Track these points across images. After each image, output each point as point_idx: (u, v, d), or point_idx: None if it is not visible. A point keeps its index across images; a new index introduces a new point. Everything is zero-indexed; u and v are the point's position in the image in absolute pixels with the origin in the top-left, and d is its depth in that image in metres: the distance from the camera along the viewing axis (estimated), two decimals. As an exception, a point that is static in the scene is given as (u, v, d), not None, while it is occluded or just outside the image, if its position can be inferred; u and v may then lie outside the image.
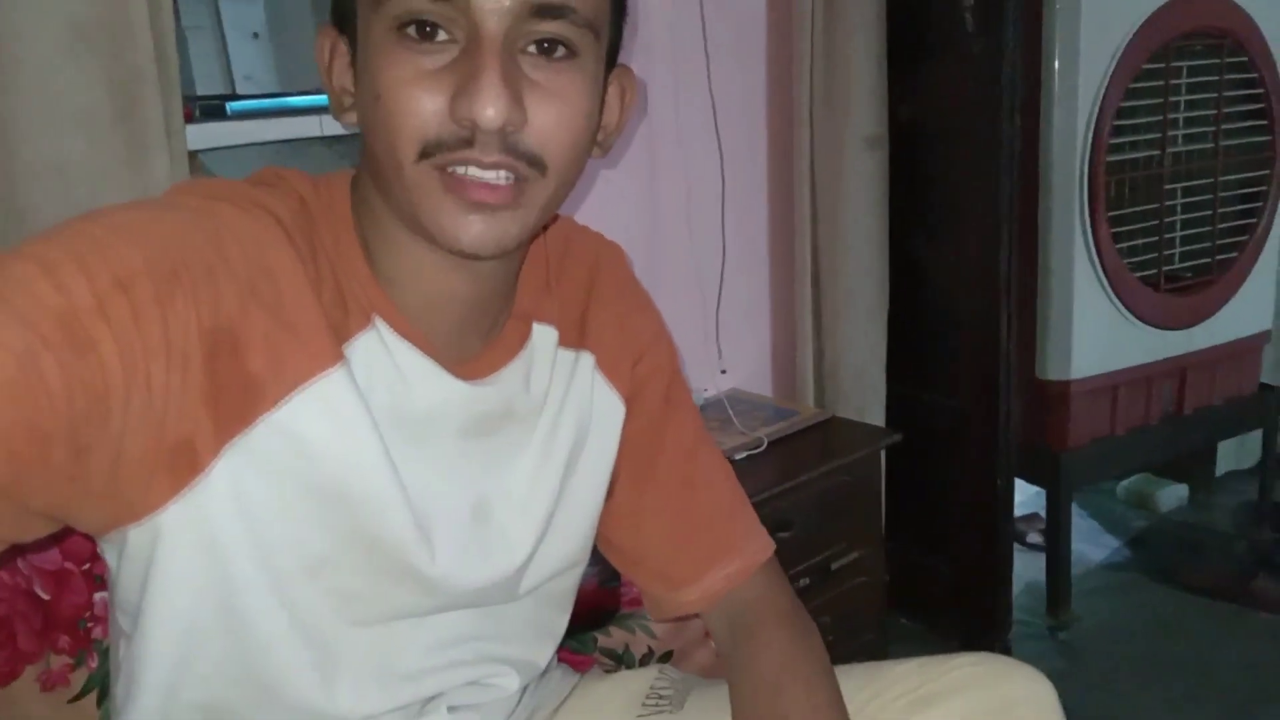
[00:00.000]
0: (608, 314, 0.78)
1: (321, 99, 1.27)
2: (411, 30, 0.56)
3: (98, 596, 0.92)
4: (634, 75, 0.69)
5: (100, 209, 0.56)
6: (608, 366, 0.77)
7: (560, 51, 0.58)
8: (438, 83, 0.56)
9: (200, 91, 1.34)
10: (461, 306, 0.66)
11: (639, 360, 0.80)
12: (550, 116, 0.58)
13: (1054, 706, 0.76)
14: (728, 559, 0.82)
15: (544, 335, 0.73)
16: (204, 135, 1.18)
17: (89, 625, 0.92)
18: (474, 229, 0.58)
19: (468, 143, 0.56)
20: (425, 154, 0.57)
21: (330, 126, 1.25)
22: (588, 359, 0.76)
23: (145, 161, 1.02)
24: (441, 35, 0.56)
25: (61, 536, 0.88)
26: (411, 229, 0.62)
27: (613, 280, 0.80)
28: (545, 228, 0.75)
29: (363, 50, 0.58)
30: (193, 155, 1.14)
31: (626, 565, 0.86)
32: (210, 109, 1.23)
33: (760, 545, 0.84)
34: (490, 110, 0.55)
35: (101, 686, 0.91)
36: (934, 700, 0.76)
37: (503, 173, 0.57)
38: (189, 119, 1.13)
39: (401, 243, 0.63)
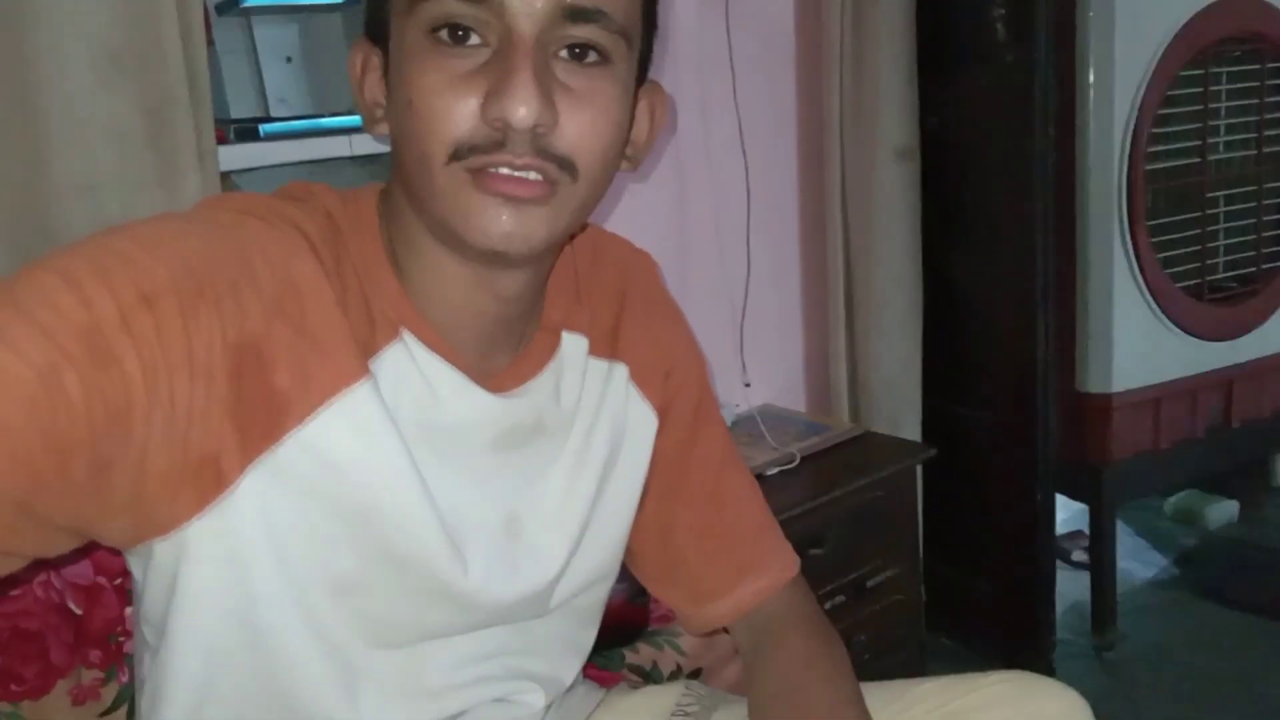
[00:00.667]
0: (640, 325, 0.78)
1: (352, 120, 1.29)
2: (444, 34, 0.56)
3: (129, 611, 0.93)
4: (664, 92, 0.69)
5: (126, 223, 0.56)
6: (641, 378, 0.77)
7: (592, 56, 0.58)
8: (469, 85, 0.56)
9: (235, 114, 1.37)
10: (490, 319, 0.66)
11: (671, 372, 0.80)
12: (582, 121, 0.58)
13: None
14: (757, 574, 0.82)
15: (574, 344, 0.73)
16: (238, 156, 1.20)
17: (120, 640, 0.93)
18: (504, 224, 0.58)
19: (499, 144, 0.56)
20: (456, 155, 0.57)
21: (360, 146, 1.27)
22: (621, 370, 0.76)
23: (177, 182, 1.04)
24: (474, 39, 0.57)
25: (90, 550, 0.89)
26: (441, 236, 0.62)
27: (645, 290, 0.80)
28: (573, 236, 0.75)
29: (395, 59, 0.59)
30: (225, 176, 1.16)
31: (654, 580, 0.86)
32: (244, 131, 1.25)
33: (788, 561, 0.84)
34: (522, 109, 0.55)
35: (132, 701, 0.92)
36: (960, 716, 0.74)
37: (533, 172, 0.57)
38: (222, 141, 1.15)
39: (431, 255, 0.63)
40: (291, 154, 1.23)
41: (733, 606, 0.82)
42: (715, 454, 0.83)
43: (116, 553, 0.90)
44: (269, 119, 1.34)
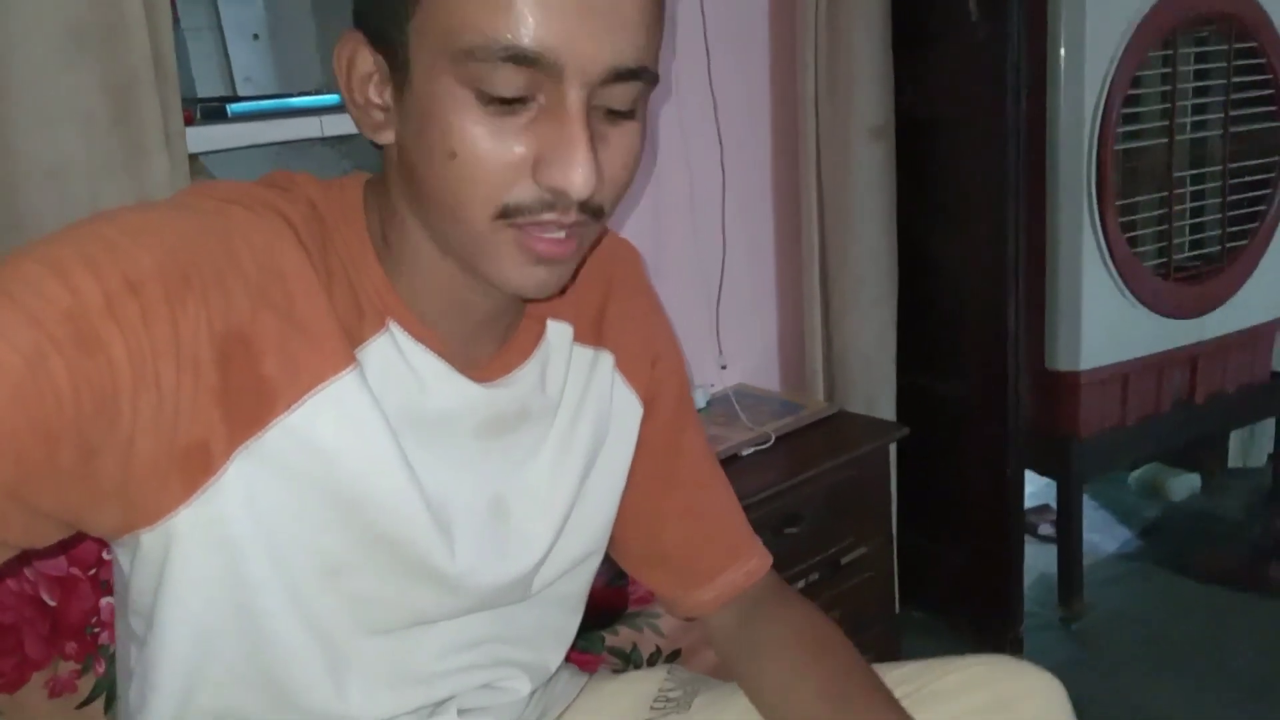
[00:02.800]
0: (626, 314, 0.78)
1: (323, 100, 1.27)
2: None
3: (104, 602, 0.92)
4: None
5: (111, 210, 0.56)
6: (626, 367, 0.78)
7: (627, 109, 0.58)
8: (520, 144, 0.55)
9: (201, 93, 1.34)
10: (478, 313, 0.66)
11: (656, 361, 0.81)
12: (615, 170, 0.59)
13: (1062, 703, 0.75)
14: (744, 558, 0.84)
15: (559, 332, 0.73)
16: (205, 138, 1.17)
17: (96, 631, 0.92)
18: (539, 279, 0.60)
19: (550, 206, 0.56)
20: (503, 215, 0.57)
21: (331, 127, 1.24)
22: (607, 358, 0.76)
23: (144, 164, 1.01)
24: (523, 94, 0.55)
25: (70, 544, 0.88)
26: (454, 259, 0.62)
27: (630, 281, 0.80)
28: None
29: (421, 90, 0.56)
30: (194, 158, 1.14)
31: (640, 566, 0.87)
32: (211, 111, 1.22)
33: (764, 549, 0.87)
34: (580, 181, 0.55)
35: (109, 692, 0.91)
36: (937, 698, 0.75)
37: (570, 229, 0.58)
38: (189, 121, 1.13)
39: (426, 257, 0.63)
40: (261, 135, 1.21)
41: (723, 590, 0.83)
42: (700, 444, 0.85)
43: (97, 541, 0.89)
44: (236, 98, 1.31)
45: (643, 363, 0.79)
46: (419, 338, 0.64)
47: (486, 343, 0.69)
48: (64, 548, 0.88)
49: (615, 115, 0.58)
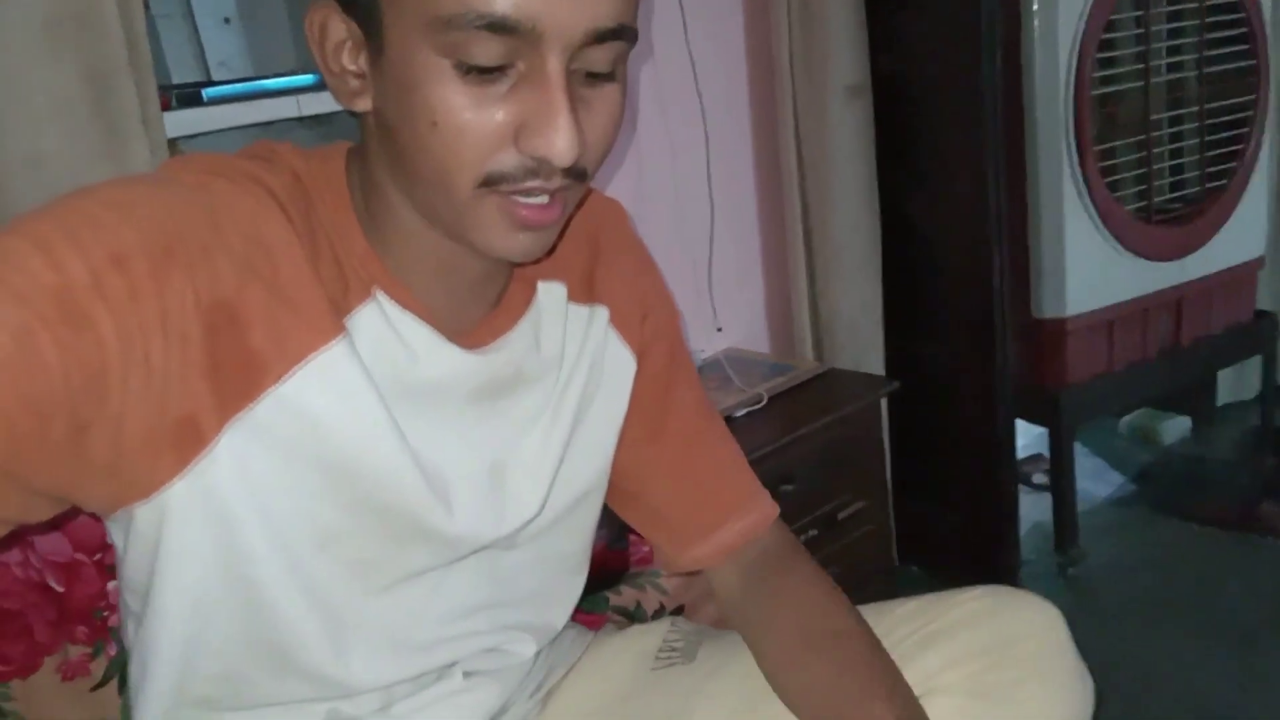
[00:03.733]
0: (616, 270, 0.78)
1: (298, 80, 1.26)
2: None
3: (111, 585, 0.93)
4: None
5: (93, 185, 0.56)
6: (620, 321, 0.78)
7: (607, 71, 0.58)
8: (501, 112, 0.55)
9: (175, 80, 1.33)
10: (465, 279, 0.66)
11: (647, 315, 0.81)
12: (598, 133, 0.59)
13: (1061, 635, 0.76)
14: (741, 514, 0.83)
15: (551, 292, 0.73)
16: (182, 123, 1.17)
17: (105, 614, 0.93)
18: (524, 245, 0.60)
19: (534, 173, 0.56)
20: (487, 183, 0.57)
21: (308, 106, 1.24)
22: (602, 313, 0.76)
23: (123, 152, 1.02)
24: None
25: (62, 522, 0.89)
26: (437, 226, 0.62)
27: (617, 237, 0.80)
28: None
29: (398, 58, 0.55)
30: (172, 143, 1.14)
31: (641, 522, 0.87)
32: (186, 97, 1.22)
33: (769, 502, 0.86)
34: (565, 148, 0.55)
35: (122, 674, 0.92)
36: (940, 637, 0.76)
37: (553, 194, 0.58)
38: (166, 108, 1.12)
39: (410, 225, 0.63)
40: (238, 117, 1.21)
41: (716, 547, 0.83)
42: (692, 397, 0.84)
43: (97, 519, 0.90)
44: (211, 83, 1.31)
45: (635, 317, 0.79)
46: (406, 306, 0.64)
47: (475, 308, 0.69)
48: (56, 525, 0.88)
49: (596, 78, 0.58)
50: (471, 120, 0.55)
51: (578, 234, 0.77)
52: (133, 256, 0.52)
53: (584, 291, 0.76)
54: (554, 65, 0.54)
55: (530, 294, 0.72)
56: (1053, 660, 0.75)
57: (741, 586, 0.82)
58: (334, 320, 0.60)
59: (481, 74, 0.54)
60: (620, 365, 0.78)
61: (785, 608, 0.79)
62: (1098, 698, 0.76)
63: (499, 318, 0.70)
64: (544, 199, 0.58)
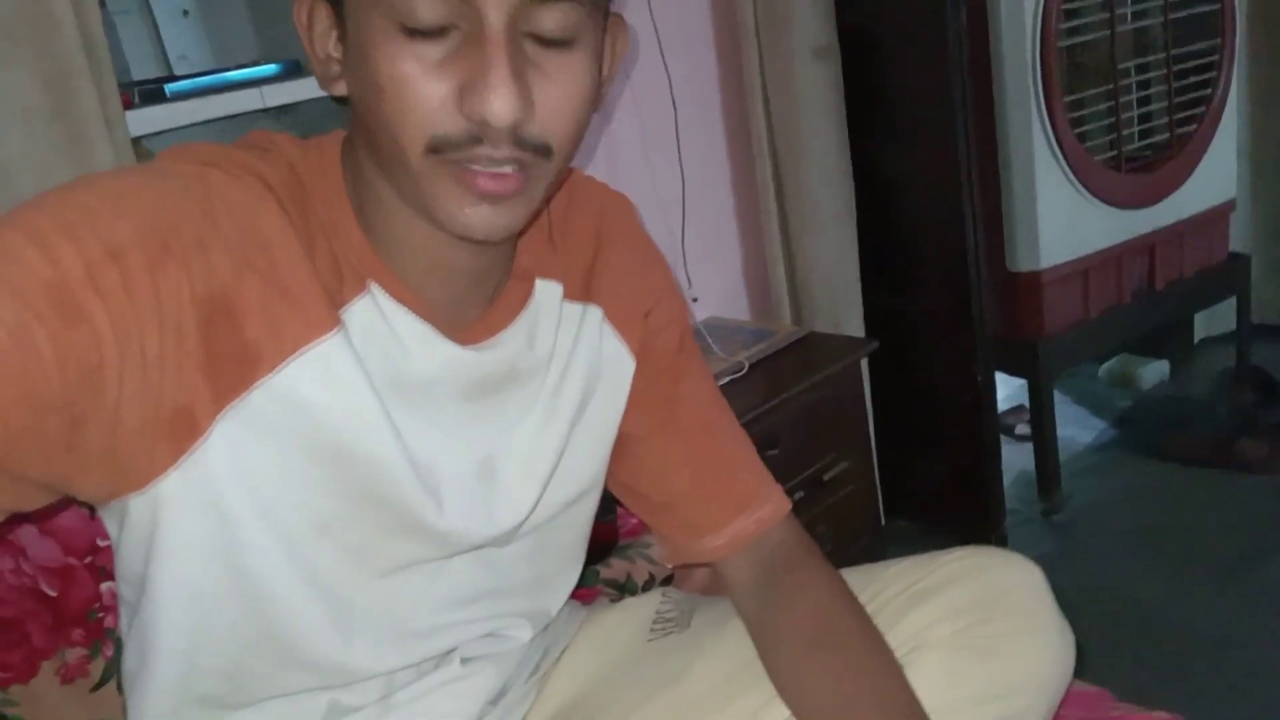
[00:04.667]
0: (617, 267, 0.77)
1: (261, 70, 1.26)
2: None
3: (104, 587, 0.94)
4: (624, 22, 0.67)
5: (88, 176, 0.56)
6: (617, 319, 0.77)
7: (561, 37, 0.57)
8: (442, 75, 0.54)
9: (136, 76, 1.32)
10: (461, 274, 0.66)
11: (651, 311, 0.80)
12: (556, 102, 0.57)
13: (1043, 592, 0.77)
14: (755, 505, 0.82)
15: (548, 291, 0.72)
16: (145, 121, 1.16)
17: (100, 616, 0.93)
18: (483, 218, 0.58)
19: (477, 139, 0.55)
20: (434, 149, 0.56)
21: (272, 97, 1.23)
22: (595, 312, 0.76)
23: (87, 154, 1.01)
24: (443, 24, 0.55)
25: (55, 511, 0.89)
26: (414, 209, 0.61)
27: (621, 232, 0.79)
28: None
29: (355, 31, 0.56)
30: (136, 141, 1.13)
31: (650, 513, 0.86)
32: (148, 93, 1.21)
33: (782, 496, 0.85)
34: (500, 107, 0.54)
35: (120, 674, 0.94)
36: (928, 595, 0.77)
37: (510, 165, 0.57)
38: (128, 106, 1.12)
39: (400, 214, 0.62)
40: (201, 112, 1.20)
41: (732, 538, 0.81)
42: (703, 390, 0.84)
43: (86, 521, 0.91)
44: (173, 78, 1.29)
45: (635, 315, 0.78)
46: (400, 299, 0.64)
47: (472, 304, 0.68)
48: (48, 514, 0.89)
49: (553, 44, 0.57)
50: (415, 83, 0.55)
51: (582, 230, 0.76)
52: (128, 249, 0.52)
53: (580, 290, 0.75)
54: (493, 22, 0.54)
55: (529, 291, 0.71)
56: (1037, 615, 0.76)
57: (753, 580, 0.81)
58: (329, 313, 0.60)
59: (425, 36, 0.54)
60: (618, 364, 0.77)
61: (792, 608, 0.78)
62: (1079, 651, 0.78)
63: (496, 314, 0.69)
64: (502, 168, 0.56)
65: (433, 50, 0.55)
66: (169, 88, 1.20)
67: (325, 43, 0.60)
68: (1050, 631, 0.76)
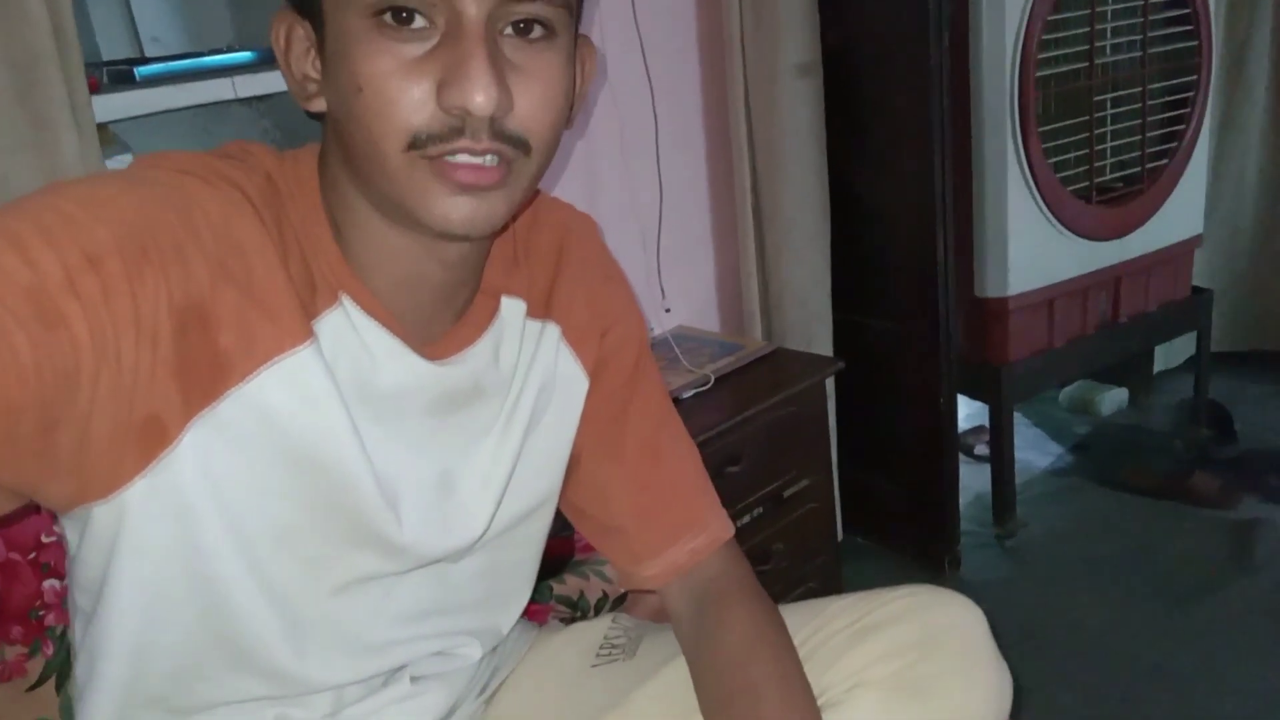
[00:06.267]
0: (576, 286, 0.78)
1: (236, 58, 1.23)
2: (389, 17, 0.56)
3: (47, 585, 0.92)
4: (592, 44, 0.69)
5: (64, 182, 0.56)
6: (574, 338, 0.78)
7: (538, 32, 0.58)
8: (421, 71, 0.56)
9: (107, 56, 1.29)
10: (432, 288, 0.67)
11: (608, 331, 0.81)
12: (534, 98, 0.58)
13: (983, 632, 0.79)
14: (691, 534, 0.83)
15: (512, 308, 0.74)
16: (114, 105, 1.13)
17: (41, 614, 0.92)
18: (464, 210, 0.59)
19: (459, 131, 0.56)
20: (414, 145, 0.57)
21: (245, 88, 1.21)
22: (553, 330, 0.77)
23: (52, 139, 0.99)
24: (419, 21, 0.56)
25: (19, 517, 0.88)
26: (390, 215, 0.62)
27: (582, 252, 0.80)
28: None
29: (335, 39, 0.58)
30: (102, 127, 1.10)
31: (597, 536, 0.87)
32: (118, 75, 1.18)
33: (723, 524, 0.85)
34: (481, 97, 0.55)
35: (59, 673, 0.92)
36: (870, 632, 0.78)
37: (490, 156, 0.58)
38: (96, 88, 1.09)
39: (373, 227, 0.63)
40: (172, 99, 1.17)
41: (666, 566, 0.82)
42: (653, 413, 0.84)
43: (36, 525, 0.89)
44: (144, 60, 1.27)
45: (591, 334, 0.79)
46: (371, 313, 0.65)
47: (441, 319, 0.69)
48: (12, 519, 0.87)
49: (530, 41, 0.58)
50: (393, 78, 0.56)
51: (545, 248, 0.77)
52: (107, 256, 0.53)
53: (541, 308, 0.76)
54: (470, 16, 0.55)
55: (495, 308, 0.72)
56: (975, 655, 0.78)
57: (688, 611, 0.82)
58: (303, 324, 0.60)
59: (400, 30, 0.55)
60: (571, 382, 0.78)
61: (716, 647, 0.78)
62: (1016, 692, 0.79)
63: (463, 330, 0.71)
64: (481, 159, 0.58)
65: (410, 48, 0.56)
66: (139, 70, 1.18)
67: (303, 63, 0.62)
68: (988, 671, 0.78)
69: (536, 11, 0.57)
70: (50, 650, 0.92)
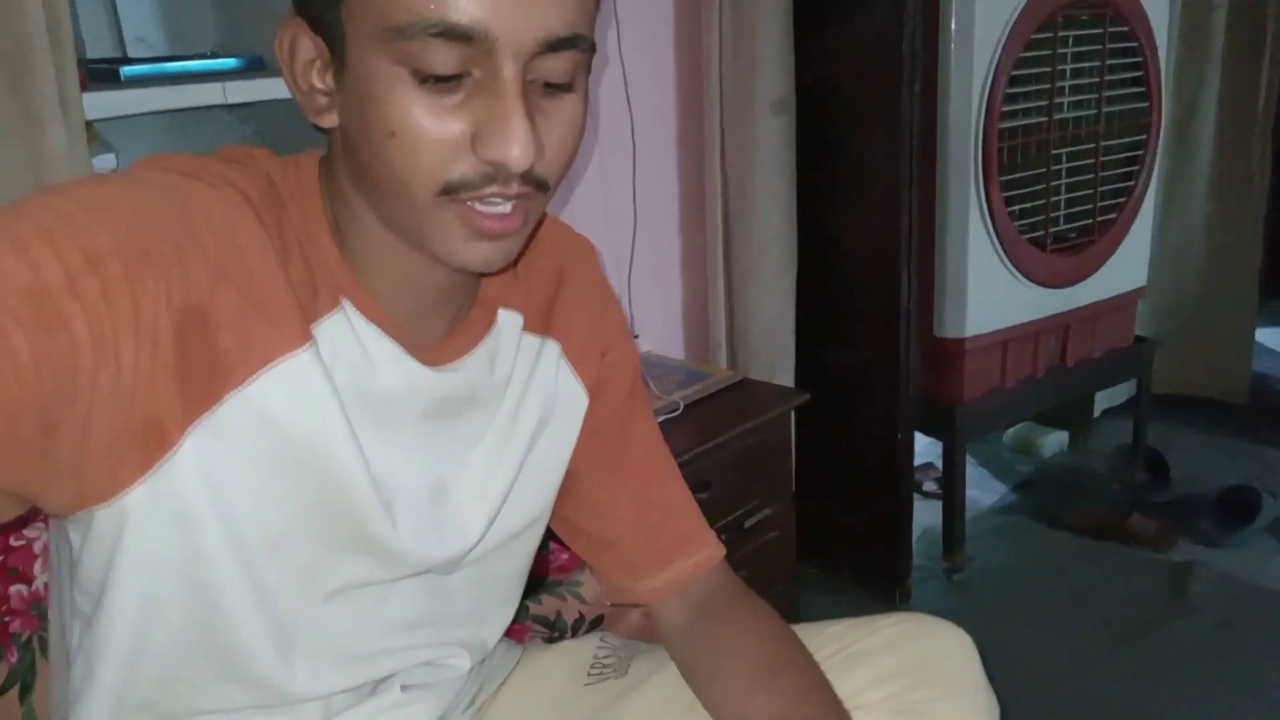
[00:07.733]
0: (578, 306, 0.79)
1: (224, 63, 1.22)
2: (431, 81, 0.55)
3: (14, 590, 0.89)
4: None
5: (65, 184, 0.56)
6: (574, 356, 0.79)
7: (565, 81, 0.59)
8: (459, 120, 0.56)
9: (90, 55, 1.27)
10: (431, 295, 0.67)
11: (607, 352, 0.82)
12: (558, 144, 0.60)
13: (973, 660, 0.81)
14: (692, 549, 0.85)
15: (509, 320, 0.74)
16: (101, 105, 1.11)
17: (6, 620, 0.89)
18: (484, 254, 0.61)
19: (491, 179, 0.57)
20: (446, 192, 0.57)
21: (235, 94, 1.20)
22: (553, 346, 0.78)
23: (39, 134, 0.97)
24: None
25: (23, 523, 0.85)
26: (403, 238, 0.62)
27: (583, 275, 0.82)
28: None
29: (358, 70, 0.57)
30: (87, 125, 1.08)
31: (591, 552, 0.88)
32: (102, 74, 1.16)
33: (717, 542, 0.88)
34: (518, 152, 0.56)
35: (23, 682, 0.89)
36: (862, 658, 0.80)
37: (514, 201, 0.59)
38: (82, 87, 1.07)
39: (376, 235, 0.64)
40: (162, 101, 1.16)
41: (669, 581, 0.84)
42: (650, 434, 0.86)
43: (3, 528, 0.86)
44: (128, 60, 1.25)
45: (592, 353, 0.80)
46: (371, 317, 0.65)
47: (437, 325, 0.70)
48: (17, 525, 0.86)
49: (554, 88, 0.59)
50: (429, 129, 0.56)
51: (545, 266, 0.78)
52: (108, 257, 0.52)
53: (540, 323, 0.77)
54: (508, 72, 0.55)
55: (491, 319, 0.73)
56: (966, 682, 0.80)
57: (686, 623, 0.83)
58: (303, 328, 0.60)
59: (437, 82, 0.55)
60: (572, 400, 0.79)
61: (733, 642, 0.80)
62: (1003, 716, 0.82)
63: (460, 338, 0.71)
64: (505, 207, 0.59)
65: (447, 98, 0.56)
66: (124, 70, 1.16)
67: (308, 74, 0.60)
68: (977, 697, 0.80)
69: (568, 65, 0.58)
70: (14, 658, 0.89)
